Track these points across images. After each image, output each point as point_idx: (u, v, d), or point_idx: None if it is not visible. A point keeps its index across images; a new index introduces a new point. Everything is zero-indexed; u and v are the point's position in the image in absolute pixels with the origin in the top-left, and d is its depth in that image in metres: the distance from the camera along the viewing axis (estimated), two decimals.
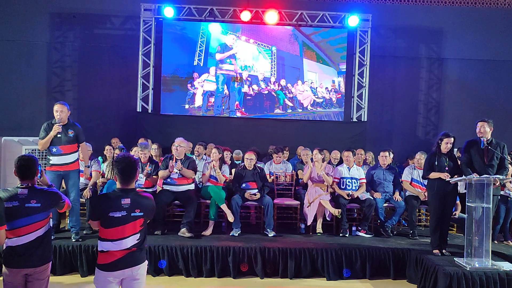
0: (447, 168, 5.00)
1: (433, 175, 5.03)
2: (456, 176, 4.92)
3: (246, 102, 8.92)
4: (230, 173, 6.37)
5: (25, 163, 2.91)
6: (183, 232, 5.43)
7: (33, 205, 2.85)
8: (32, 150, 7.04)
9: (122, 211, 2.75)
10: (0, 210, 2.72)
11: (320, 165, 6.06)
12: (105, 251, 2.76)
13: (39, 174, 3.04)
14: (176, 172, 5.64)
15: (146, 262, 2.92)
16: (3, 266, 2.85)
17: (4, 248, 2.86)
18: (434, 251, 5.04)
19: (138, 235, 2.80)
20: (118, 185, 2.87)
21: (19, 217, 2.83)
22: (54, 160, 4.97)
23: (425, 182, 5.53)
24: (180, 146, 5.70)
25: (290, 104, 8.97)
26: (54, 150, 4.95)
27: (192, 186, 5.82)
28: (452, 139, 5.07)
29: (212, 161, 5.92)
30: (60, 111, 4.93)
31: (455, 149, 6.59)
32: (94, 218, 2.81)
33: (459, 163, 5.14)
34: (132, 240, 2.77)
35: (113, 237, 2.75)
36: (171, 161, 5.68)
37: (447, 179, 4.87)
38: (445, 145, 5.06)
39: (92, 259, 4.77)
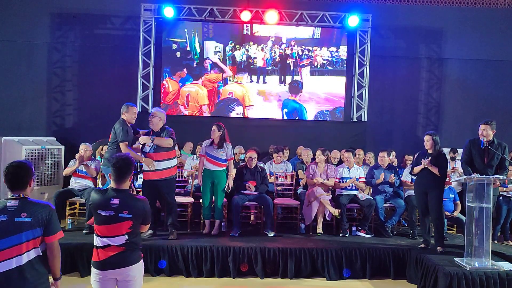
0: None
1: (415, 169, 5.32)
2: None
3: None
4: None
5: (14, 171, 2.46)
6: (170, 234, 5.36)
7: (23, 219, 2.36)
8: (33, 150, 7.04)
9: (110, 211, 2.74)
10: None
11: (320, 171, 6.08)
12: (97, 247, 2.80)
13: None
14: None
15: (140, 263, 2.88)
16: None
17: None
18: (421, 245, 5.24)
19: (126, 237, 2.76)
20: (112, 184, 2.87)
21: (6, 236, 2.32)
22: None
23: None
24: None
25: None
26: None
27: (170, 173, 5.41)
28: (428, 136, 5.30)
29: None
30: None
31: (448, 149, 6.71)
32: (90, 214, 2.85)
33: (449, 163, 5.30)
34: (119, 241, 2.75)
35: (101, 234, 2.78)
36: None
37: (424, 165, 5.13)
38: (425, 143, 5.33)
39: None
